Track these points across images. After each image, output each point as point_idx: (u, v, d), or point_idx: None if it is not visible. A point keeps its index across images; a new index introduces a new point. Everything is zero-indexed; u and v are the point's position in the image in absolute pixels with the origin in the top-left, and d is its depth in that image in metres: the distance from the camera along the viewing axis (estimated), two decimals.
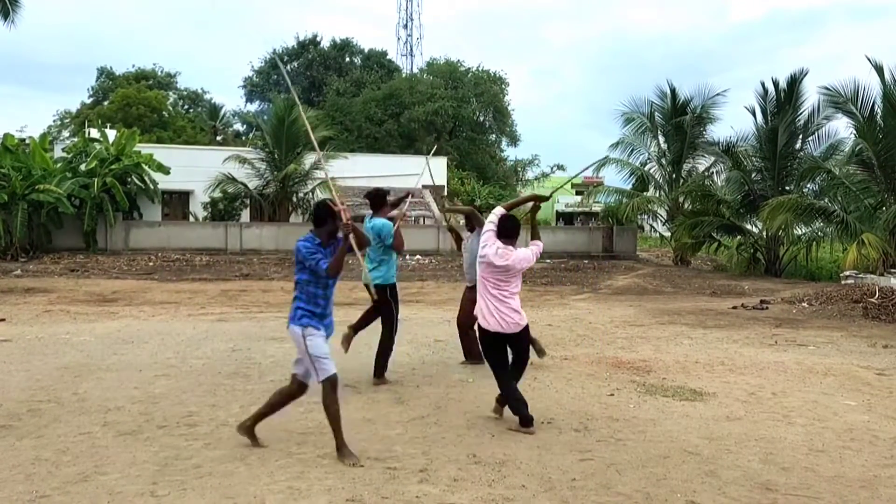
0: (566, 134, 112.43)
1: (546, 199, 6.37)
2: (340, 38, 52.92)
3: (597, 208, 34.12)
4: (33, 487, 4.15)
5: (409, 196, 7.78)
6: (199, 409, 5.89)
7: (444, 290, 16.92)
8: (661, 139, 26.61)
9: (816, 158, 21.02)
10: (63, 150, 25.70)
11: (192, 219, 27.83)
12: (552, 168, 50.81)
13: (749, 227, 23.42)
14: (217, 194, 25.43)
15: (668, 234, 27.29)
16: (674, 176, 26.18)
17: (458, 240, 8.19)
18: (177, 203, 29.11)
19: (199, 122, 50.98)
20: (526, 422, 5.35)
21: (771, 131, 21.89)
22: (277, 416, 5.04)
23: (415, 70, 57.47)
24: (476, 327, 5.93)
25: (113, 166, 22.93)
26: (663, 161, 26.54)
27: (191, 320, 11.22)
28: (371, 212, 7.02)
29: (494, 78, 47.13)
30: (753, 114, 22.95)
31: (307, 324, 4.69)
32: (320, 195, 24.86)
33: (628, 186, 27.12)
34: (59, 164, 23.30)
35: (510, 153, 63.48)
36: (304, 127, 25.42)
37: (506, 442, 5.11)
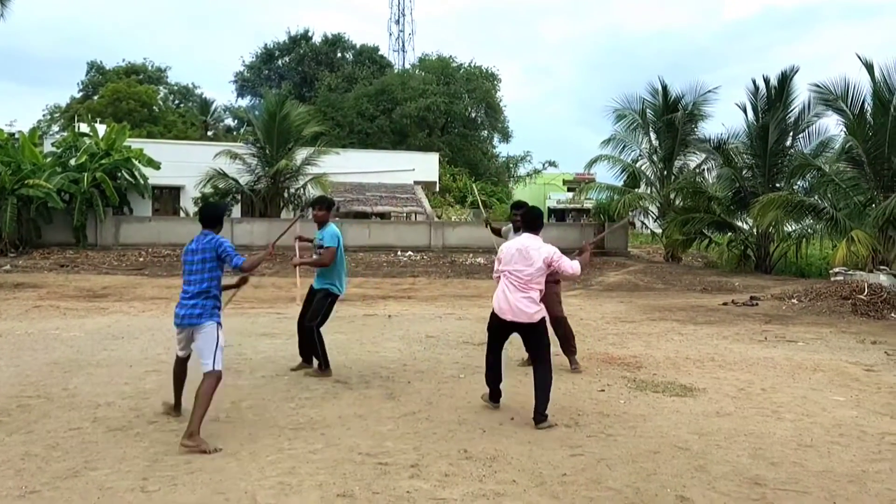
0: (558, 130, 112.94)
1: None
2: (332, 34, 52.85)
3: (588, 205, 34.16)
4: (23, 483, 4.13)
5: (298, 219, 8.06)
6: (189, 405, 5.85)
7: (436, 286, 16.92)
8: (653, 136, 26.57)
9: (807, 155, 21.06)
10: (53, 144, 25.44)
11: (182, 214, 27.70)
12: (544, 164, 50.93)
13: (740, 223, 23.44)
14: (208, 190, 25.26)
15: (659, 230, 27.34)
16: (665, 173, 26.17)
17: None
18: (167, 198, 28.94)
19: (189, 116, 50.77)
20: (538, 417, 5.41)
21: (762, 128, 21.93)
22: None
23: (407, 66, 57.52)
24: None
25: (103, 161, 22.75)
26: (654, 158, 26.53)
27: None
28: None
29: (486, 74, 47.16)
30: (745, 111, 23.00)
31: (219, 319, 5.29)
32: (312, 191, 24.76)
33: (620, 183, 27.17)
34: (48, 159, 23.06)
35: (502, 149, 63.73)
36: (297, 123, 25.37)
37: (497, 437, 5.13)
